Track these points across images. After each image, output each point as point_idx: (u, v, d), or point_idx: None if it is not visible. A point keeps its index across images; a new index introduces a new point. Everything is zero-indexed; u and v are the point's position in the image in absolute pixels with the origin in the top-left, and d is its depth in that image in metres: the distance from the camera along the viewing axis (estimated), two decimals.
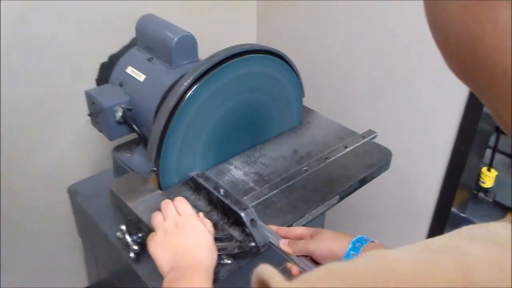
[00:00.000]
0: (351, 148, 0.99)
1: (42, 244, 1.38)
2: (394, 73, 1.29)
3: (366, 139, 1.01)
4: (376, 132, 1.04)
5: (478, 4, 0.26)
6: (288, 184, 0.89)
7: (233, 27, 1.55)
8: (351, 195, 0.92)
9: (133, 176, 0.91)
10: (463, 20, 0.27)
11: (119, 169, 1.02)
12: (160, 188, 0.87)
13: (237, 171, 0.93)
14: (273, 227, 0.74)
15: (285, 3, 1.49)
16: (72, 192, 1.06)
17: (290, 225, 0.80)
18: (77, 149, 1.32)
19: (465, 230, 0.31)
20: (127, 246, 0.86)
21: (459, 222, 1.54)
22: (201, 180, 0.83)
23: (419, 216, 1.41)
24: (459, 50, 0.28)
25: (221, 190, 0.79)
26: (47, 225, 1.36)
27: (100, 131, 1.01)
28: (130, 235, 0.86)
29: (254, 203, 0.84)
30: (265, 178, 0.91)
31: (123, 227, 0.86)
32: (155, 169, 0.88)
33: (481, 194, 1.94)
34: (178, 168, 0.88)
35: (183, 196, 0.79)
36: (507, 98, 0.27)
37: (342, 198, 0.89)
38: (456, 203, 1.35)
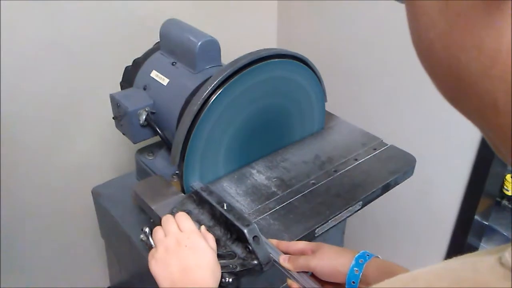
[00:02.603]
0: (369, 156, 0.99)
1: (66, 244, 1.40)
2: (416, 78, 1.27)
3: (377, 152, 1.00)
4: (387, 144, 1.03)
5: (461, 29, 0.24)
6: (311, 189, 0.89)
7: (253, 31, 1.55)
8: (373, 201, 0.91)
9: (156, 179, 0.92)
10: (446, 47, 0.25)
11: (142, 172, 1.03)
12: (183, 191, 0.87)
13: (259, 175, 0.93)
14: (274, 241, 0.71)
15: (305, 6, 1.48)
16: (96, 193, 1.07)
17: (313, 231, 0.80)
18: (100, 151, 1.34)
19: (456, 269, 0.27)
20: (150, 248, 0.87)
21: (482, 230, 1.51)
22: (204, 194, 0.78)
23: (442, 223, 1.39)
24: (445, 77, 0.27)
25: (225, 205, 0.75)
26: (71, 226, 1.38)
27: (124, 134, 1.02)
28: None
29: (276, 208, 0.85)
30: (287, 183, 0.91)
31: (147, 229, 0.86)
32: (177, 172, 0.89)
33: (505, 202, 1.90)
34: (201, 172, 0.88)
35: (186, 210, 0.77)
36: (498, 128, 0.25)
37: (365, 204, 0.89)
38: (479, 211, 1.33)
